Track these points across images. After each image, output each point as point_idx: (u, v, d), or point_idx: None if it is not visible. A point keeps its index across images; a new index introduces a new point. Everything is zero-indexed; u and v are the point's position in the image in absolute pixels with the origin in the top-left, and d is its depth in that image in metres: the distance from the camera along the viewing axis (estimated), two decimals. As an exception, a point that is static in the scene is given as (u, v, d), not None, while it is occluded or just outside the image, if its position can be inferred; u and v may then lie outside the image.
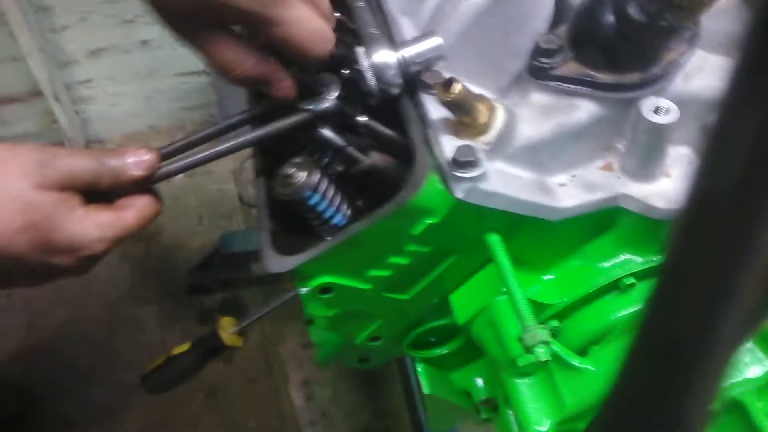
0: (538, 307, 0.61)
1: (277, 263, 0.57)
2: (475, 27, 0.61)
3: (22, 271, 0.59)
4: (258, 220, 0.63)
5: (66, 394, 1.64)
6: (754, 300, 0.24)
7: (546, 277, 0.64)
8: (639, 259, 0.61)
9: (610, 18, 0.53)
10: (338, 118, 0.61)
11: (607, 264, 0.62)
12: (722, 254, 0.23)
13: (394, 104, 0.61)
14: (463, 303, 0.65)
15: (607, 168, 0.60)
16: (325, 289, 0.59)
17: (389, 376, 1.65)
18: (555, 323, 0.63)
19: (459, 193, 0.53)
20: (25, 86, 1.97)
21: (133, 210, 0.61)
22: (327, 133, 0.60)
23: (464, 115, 0.54)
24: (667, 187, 0.58)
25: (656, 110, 0.54)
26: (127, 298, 1.85)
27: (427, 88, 0.59)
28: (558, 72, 0.57)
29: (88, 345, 1.74)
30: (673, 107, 0.53)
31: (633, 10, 0.52)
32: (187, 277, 1.84)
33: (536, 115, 0.58)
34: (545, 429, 0.57)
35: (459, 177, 0.52)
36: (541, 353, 0.51)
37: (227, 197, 2.09)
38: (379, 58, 0.58)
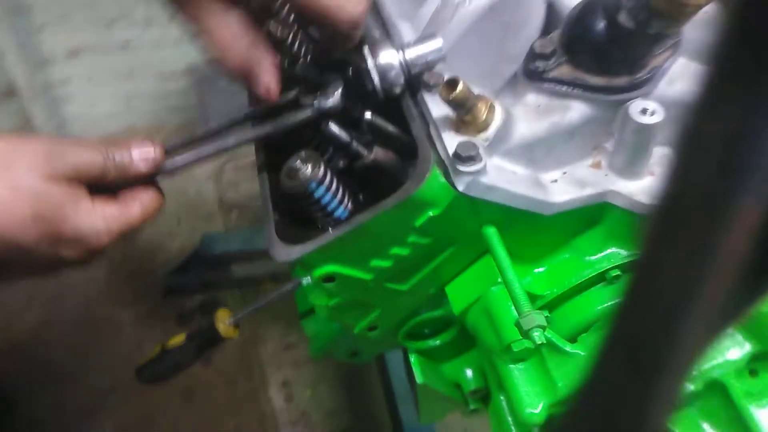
0: (529, 298, 0.64)
1: (285, 252, 0.59)
2: (472, 33, 0.64)
3: (29, 261, 0.59)
4: (263, 213, 0.65)
5: (41, 397, 1.61)
6: (716, 302, 0.24)
7: (537, 270, 0.67)
8: (625, 252, 0.64)
9: (601, 25, 0.57)
10: (342, 115, 0.64)
11: (594, 257, 0.65)
12: (686, 255, 0.23)
13: (395, 103, 0.64)
14: (459, 294, 0.67)
15: (596, 166, 0.63)
16: (329, 278, 0.62)
17: (369, 377, 1.66)
18: (545, 313, 0.66)
19: (460, 186, 0.56)
20: (0, 85, 1.94)
21: (138, 204, 0.61)
22: (334, 128, 0.62)
23: (465, 112, 0.57)
24: (652, 184, 0.62)
25: (643, 111, 0.57)
26: (103, 300, 1.82)
27: (428, 87, 0.61)
28: (552, 75, 0.61)
29: (63, 347, 1.71)
30: (659, 109, 0.57)
31: (623, 18, 0.56)
32: (166, 279, 1.82)
33: (531, 115, 0.61)
34: (538, 410, 0.60)
35: (460, 171, 0.55)
36: (537, 337, 0.54)
37: (206, 199, 2.09)
38: (384, 59, 0.61)
